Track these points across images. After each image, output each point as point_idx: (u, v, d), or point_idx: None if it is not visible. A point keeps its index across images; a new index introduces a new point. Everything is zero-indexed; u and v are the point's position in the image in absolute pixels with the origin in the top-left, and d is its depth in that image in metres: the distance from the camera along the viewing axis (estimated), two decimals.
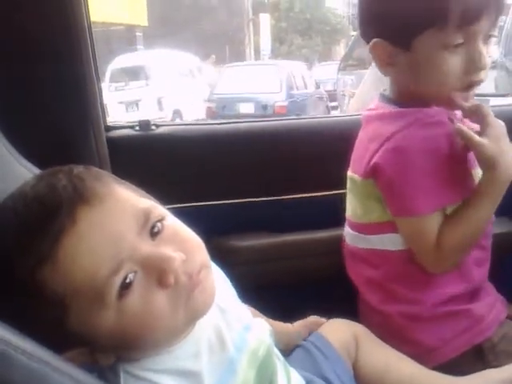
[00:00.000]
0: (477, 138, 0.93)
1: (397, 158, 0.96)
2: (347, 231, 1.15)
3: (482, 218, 0.97)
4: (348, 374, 0.92)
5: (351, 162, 1.12)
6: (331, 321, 1.02)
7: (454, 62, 0.93)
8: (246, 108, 8.84)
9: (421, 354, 1.00)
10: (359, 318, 1.13)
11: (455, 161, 0.98)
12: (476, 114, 0.97)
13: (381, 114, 1.04)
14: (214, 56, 14.33)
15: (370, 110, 1.10)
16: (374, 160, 0.98)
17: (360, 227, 1.09)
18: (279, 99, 9.06)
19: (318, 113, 9.05)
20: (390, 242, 1.03)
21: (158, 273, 0.57)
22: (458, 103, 0.97)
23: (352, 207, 1.12)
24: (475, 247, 1.02)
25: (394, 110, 1.02)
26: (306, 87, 9.91)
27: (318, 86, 10.56)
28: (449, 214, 0.98)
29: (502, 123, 0.96)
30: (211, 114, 8.88)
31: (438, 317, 1.02)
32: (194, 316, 0.62)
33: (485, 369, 0.98)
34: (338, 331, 0.98)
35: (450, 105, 0.99)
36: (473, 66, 0.94)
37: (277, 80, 9.23)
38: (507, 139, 0.95)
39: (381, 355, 0.97)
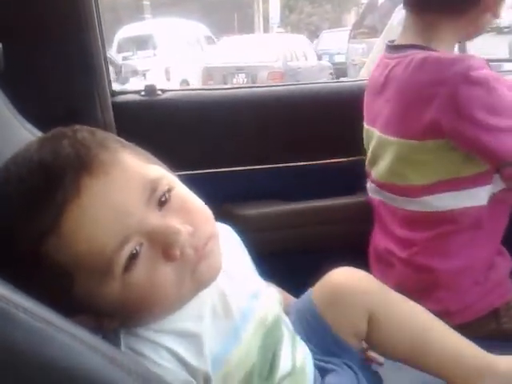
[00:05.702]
0: None
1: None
2: (386, 195, 1.11)
3: None
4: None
5: (384, 125, 1.07)
6: (336, 273, 0.81)
7: None
8: (341, 58, 11.99)
9: (440, 314, 1.00)
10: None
11: None
12: None
13: (440, 59, 0.98)
14: None
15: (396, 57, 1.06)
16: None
17: (408, 190, 1.05)
18: None
19: None
20: (444, 202, 1.01)
21: (163, 246, 0.56)
22: None
23: (391, 171, 1.07)
24: None
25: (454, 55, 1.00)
26: None
27: None
28: None
29: None
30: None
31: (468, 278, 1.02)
32: (199, 287, 0.61)
33: (498, 329, 0.98)
34: (346, 304, 0.77)
35: None
36: None
37: None
38: None
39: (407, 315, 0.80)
